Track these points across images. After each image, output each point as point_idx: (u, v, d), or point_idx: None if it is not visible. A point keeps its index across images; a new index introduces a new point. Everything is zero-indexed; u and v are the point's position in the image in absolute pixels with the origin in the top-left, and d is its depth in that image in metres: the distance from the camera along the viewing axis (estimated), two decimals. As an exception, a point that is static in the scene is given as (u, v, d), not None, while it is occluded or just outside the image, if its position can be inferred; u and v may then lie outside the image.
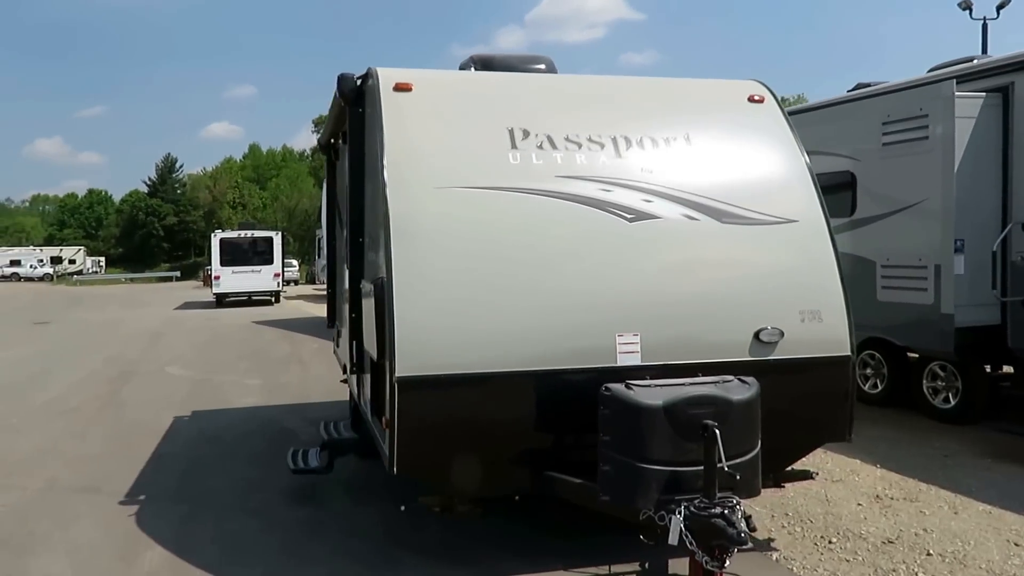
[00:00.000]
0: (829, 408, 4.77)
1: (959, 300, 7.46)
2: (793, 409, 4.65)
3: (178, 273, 58.58)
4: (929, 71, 8.83)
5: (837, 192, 8.83)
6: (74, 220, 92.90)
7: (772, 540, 5.12)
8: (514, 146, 4.71)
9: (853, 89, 9.57)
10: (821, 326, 4.70)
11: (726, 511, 3.60)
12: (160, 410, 9.17)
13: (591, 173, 4.73)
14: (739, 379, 4.14)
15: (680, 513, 3.68)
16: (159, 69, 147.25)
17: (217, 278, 27.75)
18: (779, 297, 4.69)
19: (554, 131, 4.84)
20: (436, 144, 4.66)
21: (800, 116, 9.51)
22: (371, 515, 5.45)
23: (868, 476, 6.37)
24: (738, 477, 3.81)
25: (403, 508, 4.50)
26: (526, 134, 4.78)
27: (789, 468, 5.03)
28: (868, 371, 8.90)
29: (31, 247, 74.67)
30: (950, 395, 8.10)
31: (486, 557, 4.74)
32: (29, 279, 60.54)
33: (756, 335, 4.57)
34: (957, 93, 7.32)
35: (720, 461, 3.70)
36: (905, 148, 7.96)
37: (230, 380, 11.48)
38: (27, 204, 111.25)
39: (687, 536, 3.66)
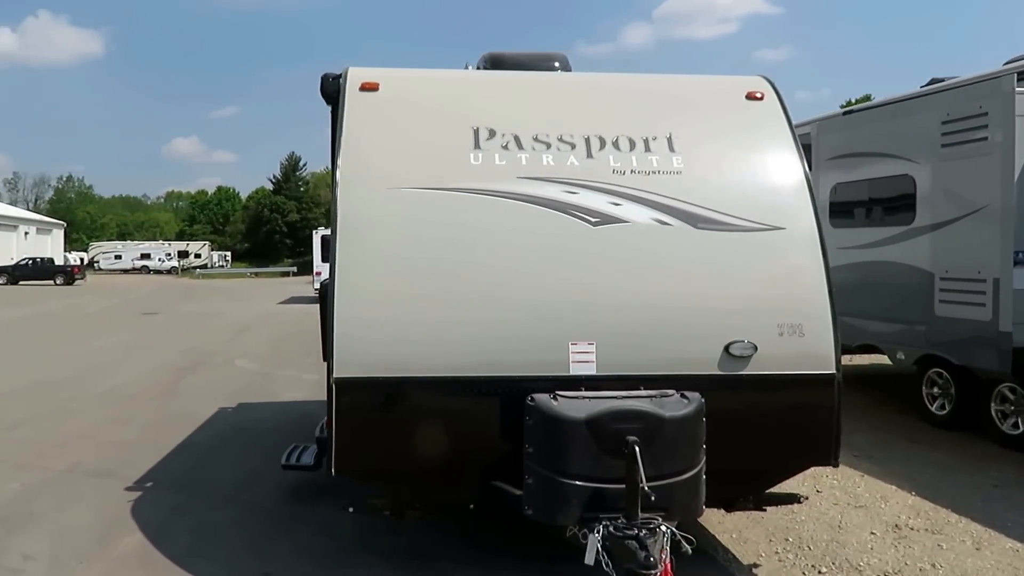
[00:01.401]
0: (810, 429, 4.41)
1: (1018, 317, 6.79)
2: (769, 429, 4.33)
3: (295, 268, 61.00)
4: (1005, 64, 8.09)
5: (896, 198, 8.24)
6: (203, 216, 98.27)
7: (757, 566, 4.81)
8: (477, 146, 4.58)
9: (926, 85, 8.90)
10: (802, 341, 4.34)
11: (642, 533, 3.37)
12: (209, 401, 9.52)
13: (556, 174, 4.54)
14: (681, 394, 3.87)
15: (599, 532, 3.47)
16: (288, 71, 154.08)
17: (318, 274, 28.68)
18: (754, 309, 4.36)
19: (523, 131, 4.68)
20: (394, 144, 4.58)
21: (856, 116, 8.92)
22: (353, 515, 5.43)
23: (897, 503, 5.87)
24: (672, 497, 3.56)
25: (351, 509, 4.45)
26: (492, 134, 4.64)
27: (771, 491, 4.69)
28: (935, 391, 8.23)
29: (161, 241, 79.73)
30: (1020, 420, 7.39)
31: (446, 563, 4.64)
32: (157, 272, 64.64)
33: (726, 348, 4.27)
34: (1019, 89, 6.66)
35: (641, 480, 3.46)
36: (964, 150, 7.31)
37: (289, 374, 11.81)
38: (162, 200, 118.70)
39: (603, 557, 3.45)
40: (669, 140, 4.77)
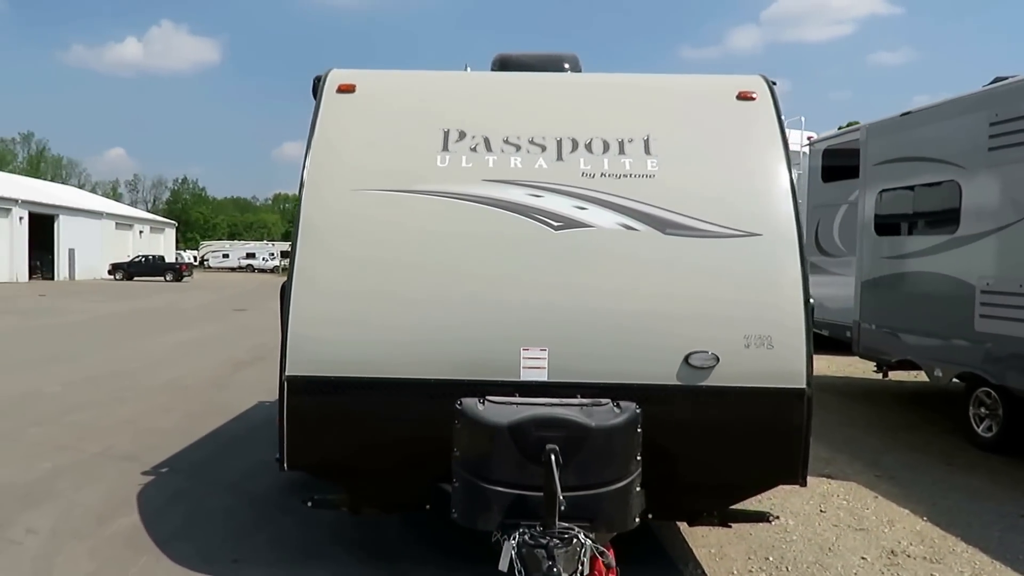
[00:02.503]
0: (776, 446, 4.22)
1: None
2: (732, 443, 4.18)
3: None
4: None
5: (940, 205, 7.80)
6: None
7: (724, 585, 4.65)
8: (445, 148, 4.61)
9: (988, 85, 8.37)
10: (769, 354, 4.18)
11: (551, 543, 3.32)
12: (253, 394, 9.89)
13: (523, 177, 4.53)
14: (615, 404, 3.79)
15: (514, 539, 3.44)
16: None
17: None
18: (719, 319, 4.22)
19: (494, 133, 4.68)
20: (363, 145, 4.66)
21: (903, 119, 8.48)
22: (343, 512, 5.54)
23: (904, 528, 5.56)
24: (597, 508, 3.51)
25: (309, 504, 4.55)
26: (462, 136, 4.66)
27: (738, 507, 4.53)
28: (982, 411, 7.73)
29: (266, 241, 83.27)
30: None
31: (406, 564, 4.70)
32: (262, 270, 67.65)
33: (686, 359, 4.16)
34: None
35: (557, 489, 3.41)
36: (1013, 153, 6.85)
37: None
38: (270, 202, 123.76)
39: (517, 564, 3.41)
40: (646, 142, 4.67)
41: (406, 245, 4.37)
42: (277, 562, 4.73)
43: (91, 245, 50.37)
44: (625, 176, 4.56)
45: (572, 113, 4.86)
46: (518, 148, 4.63)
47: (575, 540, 3.39)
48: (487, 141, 4.65)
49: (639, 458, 3.77)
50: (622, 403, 3.81)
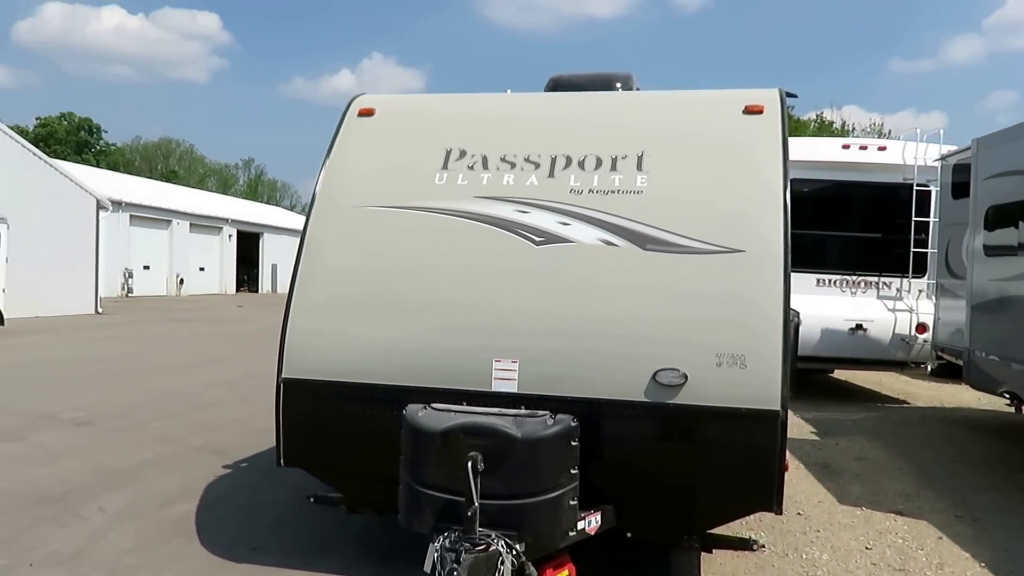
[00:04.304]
0: (748, 470, 4.04)
1: None
2: (701, 465, 4.06)
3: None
4: None
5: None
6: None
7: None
8: (445, 167, 4.81)
9: None
10: (742, 373, 4.02)
11: (460, 548, 3.41)
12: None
13: (513, 194, 4.64)
14: (551, 415, 3.79)
15: (438, 542, 3.55)
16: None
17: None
18: (691, 336, 4.12)
19: (492, 151, 4.83)
20: (371, 165, 4.96)
21: (1015, 128, 7.66)
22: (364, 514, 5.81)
23: (951, 572, 5.06)
24: (522, 517, 3.55)
25: (311, 499, 4.87)
26: (462, 154, 4.84)
27: (718, 532, 4.36)
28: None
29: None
30: None
31: (401, 560, 4.90)
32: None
33: (654, 376, 4.08)
34: None
35: (473, 496, 3.49)
36: None
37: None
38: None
39: (439, 566, 3.52)
40: (640, 158, 4.64)
41: (394, 259, 4.61)
42: (292, 553, 5.07)
43: (292, 261, 54.79)
44: (613, 192, 4.55)
45: (572, 131, 4.91)
46: (513, 166, 4.75)
47: (491, 548, 3.45)
48: (484, 159, 4.80)
49: (573, 471, 3.76)
50: (559, 416, 3.82)
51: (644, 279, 4.29)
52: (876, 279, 11.39)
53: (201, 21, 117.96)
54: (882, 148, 11.62)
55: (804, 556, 5.24)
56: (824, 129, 46.56)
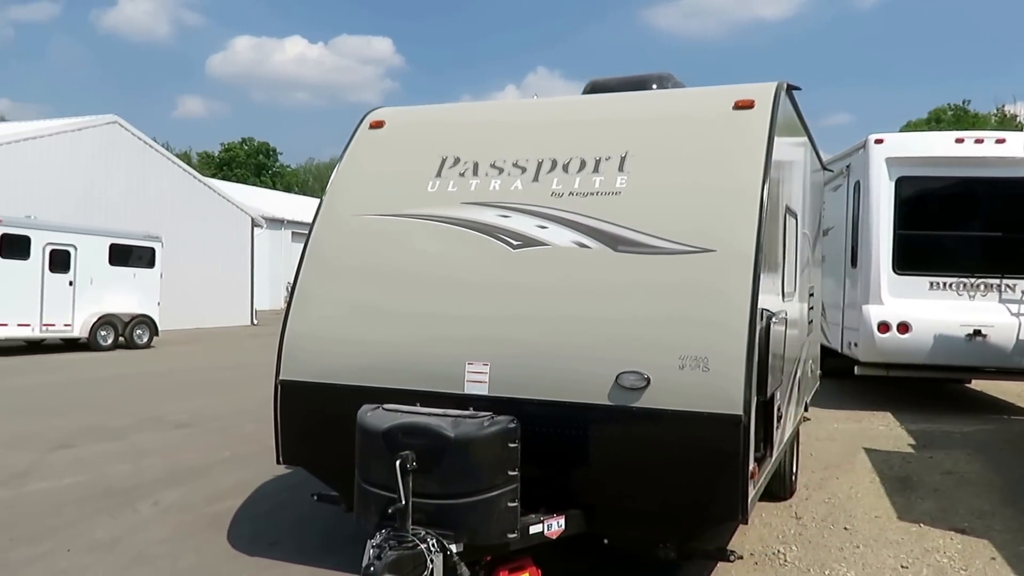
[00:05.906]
0: (710, 477, 3.87)
1: None
2: (664, 471, 3.94)
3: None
4: None
5: None
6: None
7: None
8: (438, 174, 4.92)
9: None
10: (705, 376, 3.86)
11: (386, 544, 3.47)
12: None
13: (498, 199, 4.69)
14: (491, 416, 3.78)
15: (375, 538, 3.63)
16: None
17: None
18: (654, 338, 4.01)
19: (484, 158, 4.89)
20: (374, 175, 5.16)
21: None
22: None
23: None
24: (457, 517, 3.59)
25: (315, 497, 5.07)
26: (456, 162, 4.94)
27: (694, 543, 4.20)
28: None
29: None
30: None
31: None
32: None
33: (617, 379, 4.00)
34: None
35: (402, 494, 3.54)
36: None
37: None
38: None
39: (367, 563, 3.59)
40: (622, 159, 4.58)
41: (384, 265, 4.78)
42: (305, 549, 5.31)
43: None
44: (592, 194, 4.51)
45: (561, 134, 4.91)
46: (501, 171, 4.80)
47: (423, 545, 3.49)
48: (475, 166, 4.88)
49: (512, 472, 3.72)
50: (498, 416, 3.80)
51: (614, 281, 4.22)
52: (997, 281, 10.44)
53: (376, 45, 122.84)
54: (1000, 140, 10.65)
55: (827, 572, 4.91)
56: (1007, 123, 43.44)
